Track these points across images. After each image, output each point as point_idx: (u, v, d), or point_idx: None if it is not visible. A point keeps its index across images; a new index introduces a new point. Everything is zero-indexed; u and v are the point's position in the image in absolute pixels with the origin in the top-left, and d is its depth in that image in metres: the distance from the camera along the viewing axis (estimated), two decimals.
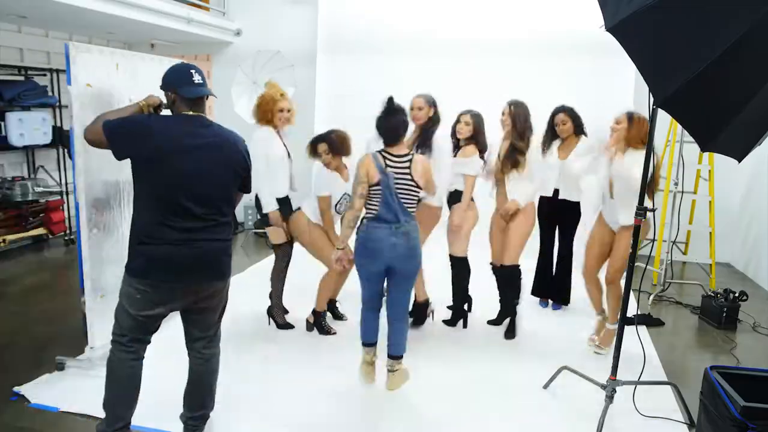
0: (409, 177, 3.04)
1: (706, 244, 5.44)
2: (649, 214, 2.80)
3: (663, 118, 2.66)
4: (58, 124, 6.21)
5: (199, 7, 6.58)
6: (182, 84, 2.34)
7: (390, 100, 3.15)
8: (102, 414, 2.56)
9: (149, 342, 2.51)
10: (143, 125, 2.30)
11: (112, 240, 3.42)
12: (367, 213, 3.06)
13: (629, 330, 2.85)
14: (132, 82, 3.52)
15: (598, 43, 4.35)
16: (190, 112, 2.35)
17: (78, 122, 3.08)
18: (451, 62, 5.98)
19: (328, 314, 4.07)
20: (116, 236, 3.45)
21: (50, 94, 6.15)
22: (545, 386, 3.23)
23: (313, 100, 6.45)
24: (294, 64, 6.40)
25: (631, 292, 2.90)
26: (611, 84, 5.59)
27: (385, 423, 2.89)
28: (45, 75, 6.18)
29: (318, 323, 3.92)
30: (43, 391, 3.05)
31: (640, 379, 2.93)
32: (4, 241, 5.62)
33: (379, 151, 3.07)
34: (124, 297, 2.37)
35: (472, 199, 3.91)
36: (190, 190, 2.26)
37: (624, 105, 5.51)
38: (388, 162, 3.02)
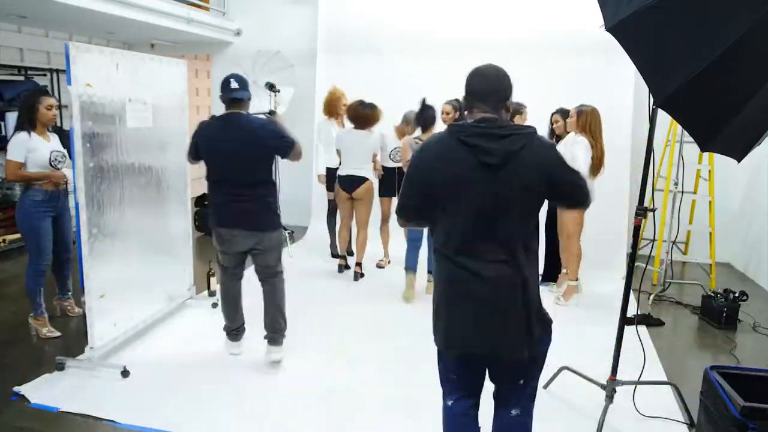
0: None
1: (706, 244, 5.44)
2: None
3: (663, 118, 2.66)
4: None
5: (199, 7, 6.58)
6: (222, 90, 3.21)
7: (423, 100, 4.45)
8: (101, 414, 2.55)
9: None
10: (193, 140, 3.33)
11: (112, 240, 3.43)
12: None
13: (629, 330, 2.85)
14: (132, 82, 3.53)
15: (598, 43, 4.36)
16: (227, 112, 3.21)
17: (78, 122, 3.08)
18: (451, 62, 5.95)
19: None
20: (117, 236, 3.46)
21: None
22: (545, 386, 3.22)
23: (314, 99, 6.45)
24: (294, 64, 6.42)
25: (631, 292, 2.90)
26: (611, 84, 5.59)
27: (385, 422, 2.89)
28: (45, 75, 6.19)
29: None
30: (43, 391, 3.05)
31: (640, 379, 2.92)
32: (4, 241, 5.63)
33: (414, 137, 4.38)
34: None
35: None
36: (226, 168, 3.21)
37: (624, 105, 5.57)
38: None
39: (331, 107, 5.54)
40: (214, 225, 3.35)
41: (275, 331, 3.41)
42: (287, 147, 3.23)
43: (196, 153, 3.29)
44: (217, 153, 3.19)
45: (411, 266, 4.66)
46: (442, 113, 4.59)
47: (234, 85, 3.16)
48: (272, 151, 3.27)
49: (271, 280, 3.41)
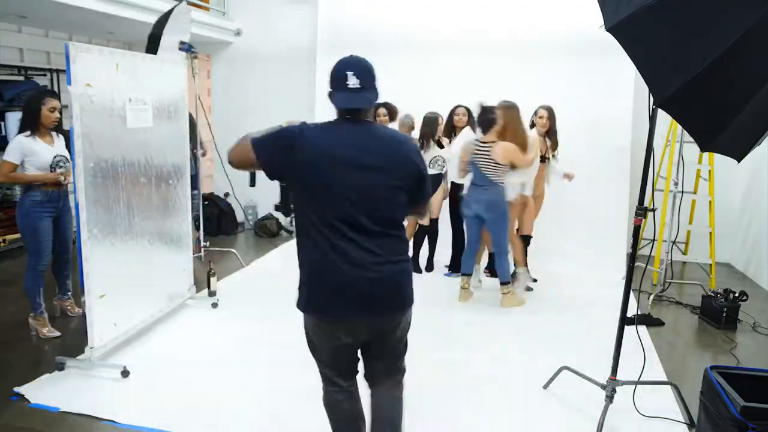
0: (488, 157, 4.32)
1: (706, 244, 5.44)
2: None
3: (663, 118, 2.66)
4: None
5: (199, 7, 6.57)
6: (335, 88, 2.03)
7: (481, 104, 4.48)
8: (101, 414, 2.56)
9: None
10: (289, 137, 1.95)
11: (112, 240, 3.43)
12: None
13: (629, 330, 2.85)
14: (132, 82, 3.53)
15: (598, 43, 4.35)
16: (347, 116, 2.02)
17: (78, 122, 3.08)
18: (451, 62, 5.98)
19: None
20: (116, 236, 3.46)
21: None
22: (545, 386, 3.23)
23: (314, 99, 6.45)
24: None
25: (631, 292, 2.90)
26: (611, 84, 5.59)
27: None
28: (45, 75, 6.19)
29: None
30: (43, 391, 3.05)
31: (640, 379, 2.92)
32: (4, 241, 5.63)
33: (475, 139, 4.49)
34: None
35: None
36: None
37: (624, 105, 5.57)
38: (477, 147, 4.39)
39: None
40: (316, 310, 2.03)
41: None
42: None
43: (276, 152, 1.95)
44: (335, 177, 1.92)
45: (467, 271, 4.66)
46: (457, 115, 5.09)
47: (353, 82, 2.00)
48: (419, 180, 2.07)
49: (394, 382, 2.23)
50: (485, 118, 4.40)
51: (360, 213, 1.91)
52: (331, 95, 2.02)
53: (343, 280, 1.91)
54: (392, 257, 1.98)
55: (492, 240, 4.55)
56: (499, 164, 4.32)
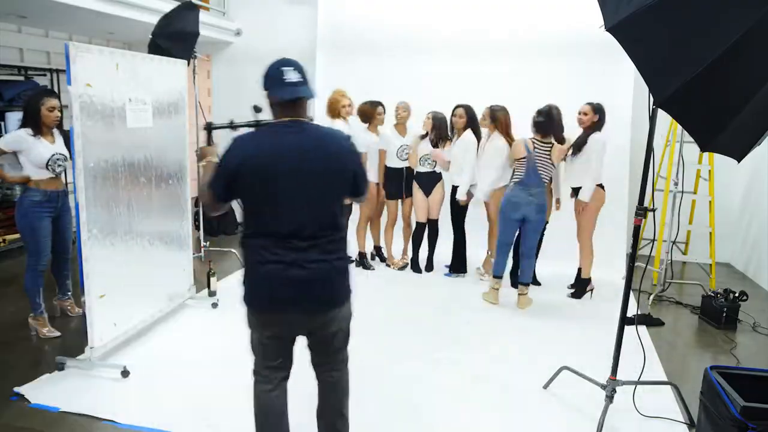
0: (548, 157, 4.38)
1: (706, 244, 5.44)
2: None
3: (663, 118, 2.66)
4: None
5: (199, 7, 6.57)
6: (272, 86, 2.09)
7: (548, 108, 4.41)
8: (101, 414, 2.56)
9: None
10: (226, 169, 2.05)
11: (112, 240, 3.43)
12: (514, 178, 4.44)
13: (629, 330, 2.85)
14: (132, 82, 3.53)
15: (598, 43, 4.36)
16: (286, 119, 2.08)
17: (78, 122, 3.08)
18: (451, 61, 5.98)
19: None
20: (117, 236, 3.46)
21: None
22: (545, 386, 3.23)
23: (314, 99, 6.45)
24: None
25: (631, 292, 2.90)
26: (611, 84, 5.58)
27: (384, 422, 2.89)
28: (45, 75, 6.18)
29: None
30: (43, 391, 3.05)
31: (640, 379, 2.93)
32: (4, 241, 5.62)
33: (531, 138, 4.41)
34: None
35: None
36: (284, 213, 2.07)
37: (624, 105, 5.57)
38: (535, 146, 4.38)
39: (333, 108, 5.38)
40: (258, 306, 2.16)
41: None
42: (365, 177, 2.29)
43: (226, 188, 2.07)
44: (274, 181, 2.03)
45: (498, 273, 4.58)
46: (455, 116, 4.98)
47: (291, 77, 2.07)
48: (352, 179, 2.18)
49: (339, 371, 2.36)
50: (545, 120, 4.36)
51: (301, 218, 2.04)
52: (270, 93, 2.09)
53: (282, 278, 2.05)
54: (327, 256, 2.10)
55: (528, 243, 4.49)
56: (553, 165, 4.43)
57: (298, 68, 2.10)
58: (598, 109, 4.55)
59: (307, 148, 2.05)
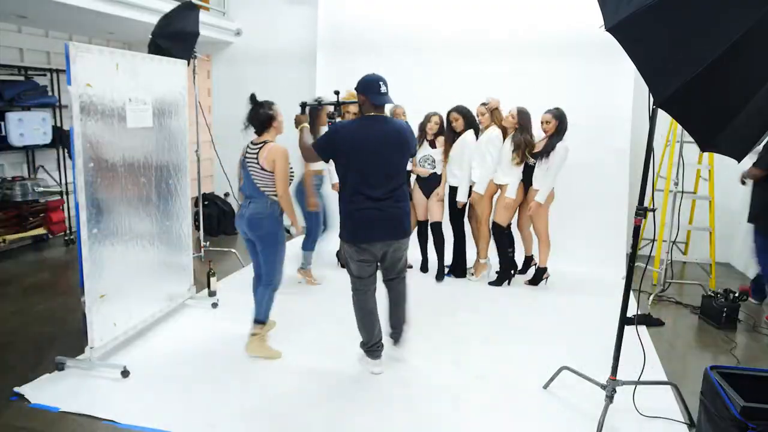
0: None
1: (706, 244, 5.44)
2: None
3: (663, 118, 2.66)
4: (58, 124, 6.21)
5: (200, 7, 6.57)
6: (370, 92, 3.12)
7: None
8: (101, 414, 2.56)
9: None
10: (331, 137, 3.16)
11: (112, 240, 3.43)
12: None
13: (629, 330, 2.85)
14: (132, 82, 3.53)
15: (598, 43, 4.36)
16: (373, 113, 3.16)
17: (78, 122, 3.08)
18: (451, 62, 5.98)
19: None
20: (117, 236, 3.46)
21: (50, 94, 6.14)
22: (545, 386, 3.23)
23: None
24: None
25: (631, 292, 2.90)
26: (611, 84, 5.59)
27: (384, 422, 2.89)
28: (45, 75, 6.18)
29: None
30: (43, 391, 3.05)
31: (640, 379, 2.93)
32: (4, 241, 5.62)
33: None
34: None
35: None
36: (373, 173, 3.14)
37: (624, 105, 5.57)
38: None
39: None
40: (359, 238, 3.17)
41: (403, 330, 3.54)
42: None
43: (333, 153, 3.17)
44: (368, 155, 3.11)
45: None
46: (450, 119, 4.97)
47: (383, 89, 3.12)
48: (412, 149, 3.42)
49: (402, 282, 3.47)
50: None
51: (380, 177, 3.13)
52: (369, 96, 3.13)
53: (373, 219, 3.13)
54: (398, 204, 3.20)
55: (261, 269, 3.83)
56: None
57: (386, 83, 3.14)
58: (558, 116, 4.64)
59: (389, 133, 3.17)
